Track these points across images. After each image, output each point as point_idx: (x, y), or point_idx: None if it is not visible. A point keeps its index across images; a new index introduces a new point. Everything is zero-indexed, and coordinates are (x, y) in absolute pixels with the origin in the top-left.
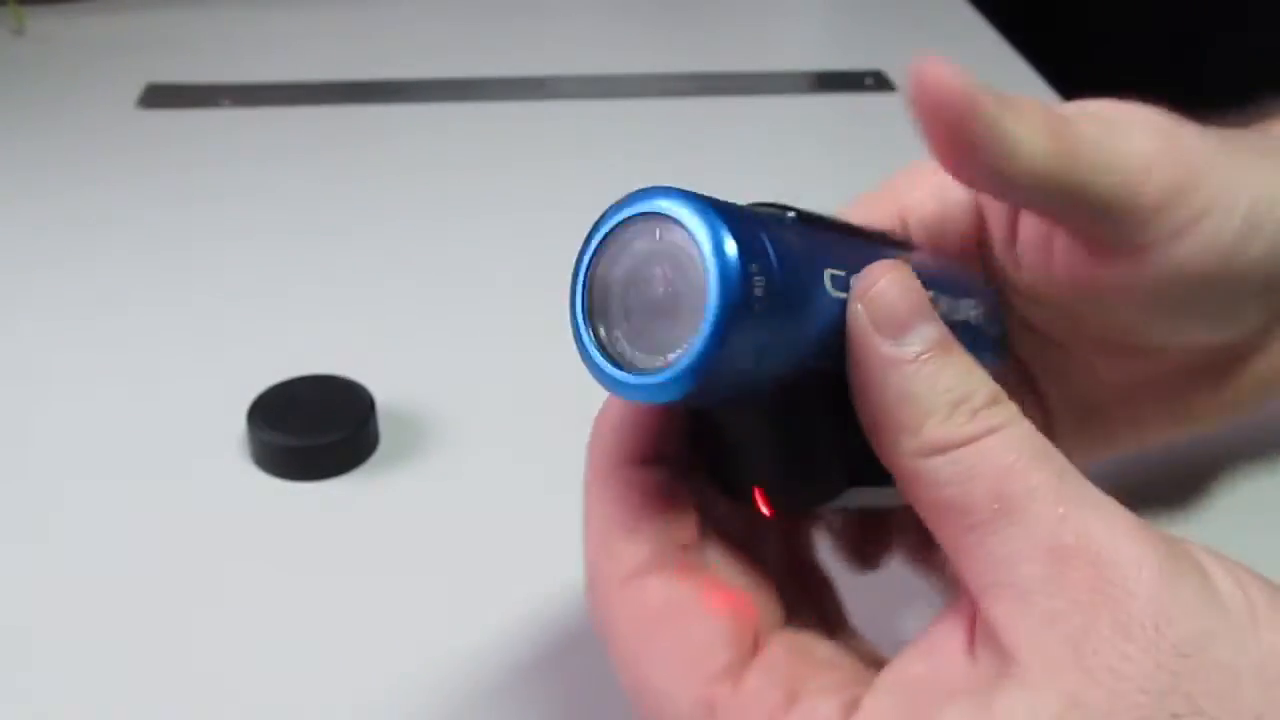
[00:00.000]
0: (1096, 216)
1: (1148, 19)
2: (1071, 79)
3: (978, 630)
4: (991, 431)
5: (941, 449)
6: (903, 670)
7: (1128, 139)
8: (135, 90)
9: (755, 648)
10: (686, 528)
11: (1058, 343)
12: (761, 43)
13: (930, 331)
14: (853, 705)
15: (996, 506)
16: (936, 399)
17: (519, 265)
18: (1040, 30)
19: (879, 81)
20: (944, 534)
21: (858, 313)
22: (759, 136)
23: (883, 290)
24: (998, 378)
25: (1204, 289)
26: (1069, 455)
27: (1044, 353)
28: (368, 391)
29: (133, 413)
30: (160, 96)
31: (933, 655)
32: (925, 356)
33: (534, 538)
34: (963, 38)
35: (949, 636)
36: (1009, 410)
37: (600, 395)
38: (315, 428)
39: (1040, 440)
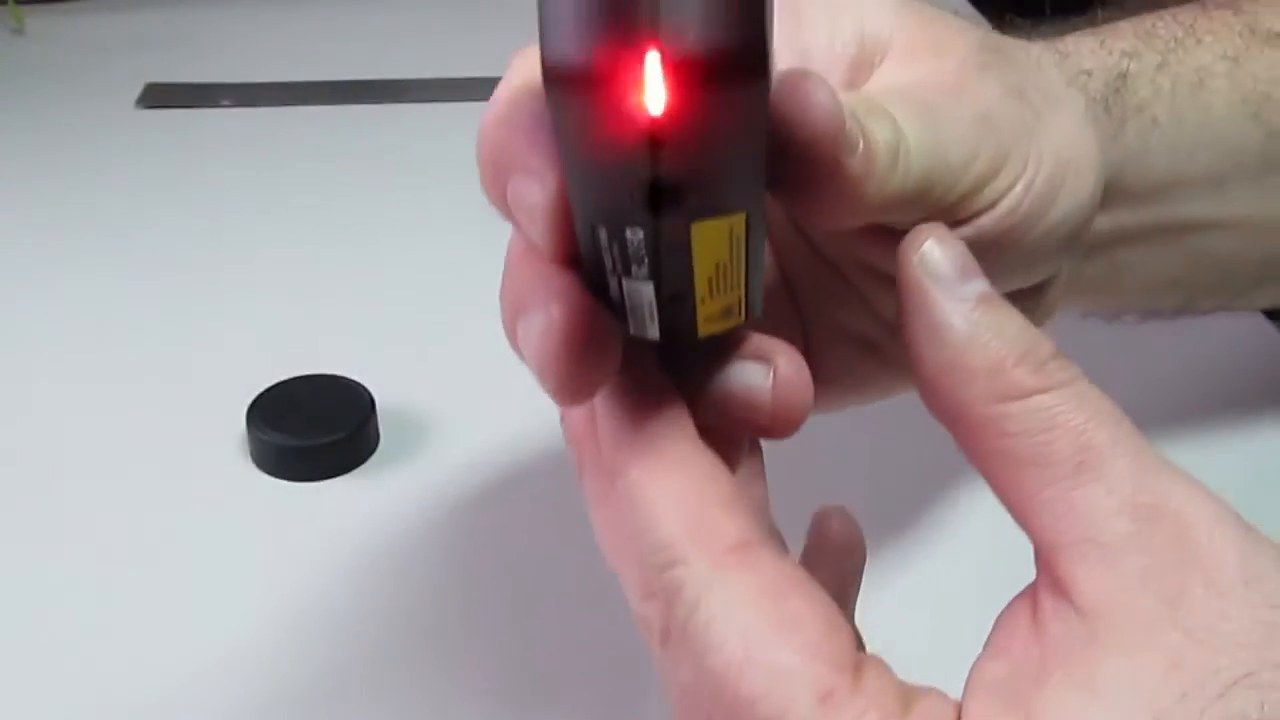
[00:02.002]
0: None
1: None
2: None
3: (1047, 594)
4: (1067, 383)
5: (1020, 394)
6: (984, 673)
7: (953, 128)
8: (135, 90)
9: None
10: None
11: (830, 262)
12: None
13: (983, 284)
14: (958, 713)
15: (1080, 460)
16: (1007, 344)
17: None
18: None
19: None
20: (1019, 488)
21: (914, 265)
22: None
23: (932, 248)
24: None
25: (998, 252)
26: (821, 403)
27: (813, 271)
28: (368, 391)
29: (132, 413)
30: (160, 96)
31: (1010, 651)
32: (985, 305)
33: (533, 537)
34: None
35: (1015, 629)
36: (1074, 365)
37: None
38: (315, 428)
39: (1108, 399)
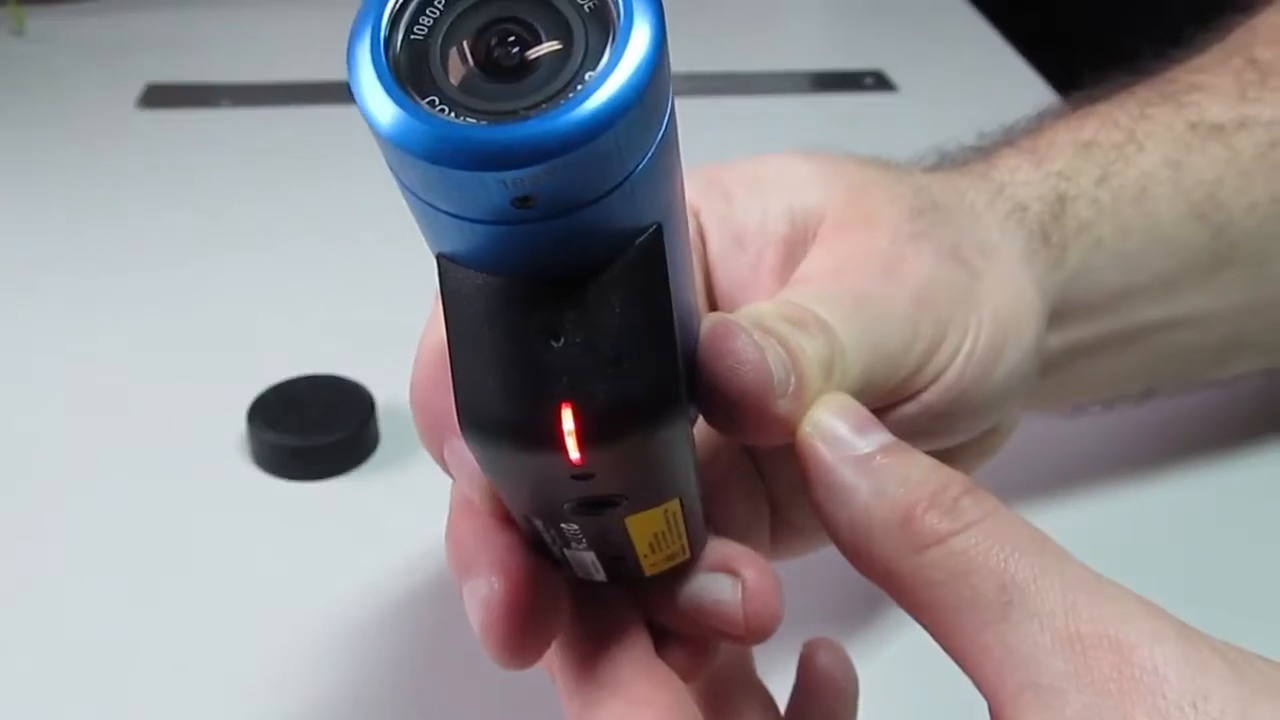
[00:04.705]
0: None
1: (1148, 20)
2: (1071, 80)
3: None
4: (982, 519)
5: (937, 539)
6: None
7: (888, 316)
8: (135, 90)
9: None
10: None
11: None
12: (761, 43)
13: (883, 435)
14: None
15: (1007, 599)
16: (913, 491)
17: None
18: (1040, 30)
19: (879, 81)
20: (956, 636)
21: (807, 434)
22: (758, 136)
23: (823, 416)
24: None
25: (947, 419)
26: (792, 550)
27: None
28: (368, 391)
29: (133, 413)
30: (160, 96)
31: None
32: (886, 458)
33: None
34: (963, 38)
35: None
36: (989, 498)
37: None
38: (315, 428)
39: (1029, 526)
